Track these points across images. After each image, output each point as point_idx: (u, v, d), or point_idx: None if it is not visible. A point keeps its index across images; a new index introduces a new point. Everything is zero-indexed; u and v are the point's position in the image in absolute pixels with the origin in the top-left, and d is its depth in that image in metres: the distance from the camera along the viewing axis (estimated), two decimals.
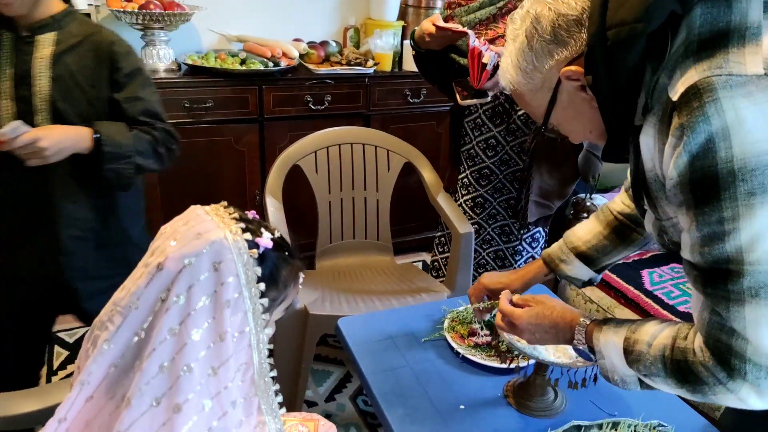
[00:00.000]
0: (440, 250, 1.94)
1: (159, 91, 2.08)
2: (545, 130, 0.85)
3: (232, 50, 2.42)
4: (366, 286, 1.81)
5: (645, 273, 2.05)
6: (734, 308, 0.66)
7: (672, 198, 0.70)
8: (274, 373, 0.85)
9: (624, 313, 1.92)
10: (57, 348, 2.15)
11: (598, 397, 1.08)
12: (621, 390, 1.10)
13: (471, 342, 1.21)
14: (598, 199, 2.16)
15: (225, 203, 0.86)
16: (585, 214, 2.10)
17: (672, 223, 0.78)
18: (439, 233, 1.94)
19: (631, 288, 1.96)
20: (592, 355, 0.84)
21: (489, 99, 1.52)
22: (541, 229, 1.80)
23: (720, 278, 0.66)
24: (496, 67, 1.37)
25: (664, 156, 0.69)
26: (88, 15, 2.03)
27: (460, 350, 1.17)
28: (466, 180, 1.75)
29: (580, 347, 0.85)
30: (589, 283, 1.13)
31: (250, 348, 0.81)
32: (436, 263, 1.97)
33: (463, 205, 1.78)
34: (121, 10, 2.06)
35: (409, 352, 1.19)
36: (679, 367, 0.72)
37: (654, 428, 0.97)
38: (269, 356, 0.84)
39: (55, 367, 2.05)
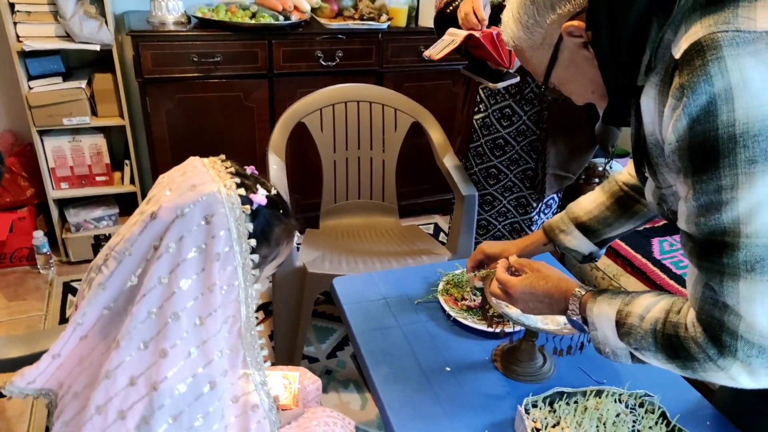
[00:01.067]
0: None
1: (167, 44, 2.10)
2: (546, 89, 0.83)
3: (243, 3, 2.37)
4: (368, 246, 1.81)
5: (655, 241, 2.02)
6: (728, 283, 0.63)
7: (671, 164, 0.67)
8: (260, 328, 0.86)
9: (630, 281, 1.90)
10: (70, 297, 2.22)
11: (588, 363, 1.08)
12: None
13: (464, 305, 1.21)
14: (616, 165, 2.11)
15: (223, 156, 0.86)
16: (597, 180, 2.06)
17: (671, 192, 0.75)
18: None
19: (639, 256, 1.93)
20: (585, 327, 0.82)
21: (518, 78, 1.49)
22: (555, 195, 1.77)
23: (715, 251, 0.63)
24: None
25: (663, 119, 0.65)
26: None
27: (451, 313, 1.17)
28: (480, 149, 1.72)
29: (574, 318, 0.83)
30: (590, 258, 1.09)
31: (238, 302, 0.83)
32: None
33: (477, 174, 1.75)
34: None
35: (401, 313, 1.19)
36: (670, 342, 0.70)
37: (639, 398, 0.97)
38: (257, 311, 0.86)
39: (67, 315, 2.13)
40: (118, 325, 0.79)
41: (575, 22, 0.71)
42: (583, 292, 0.83)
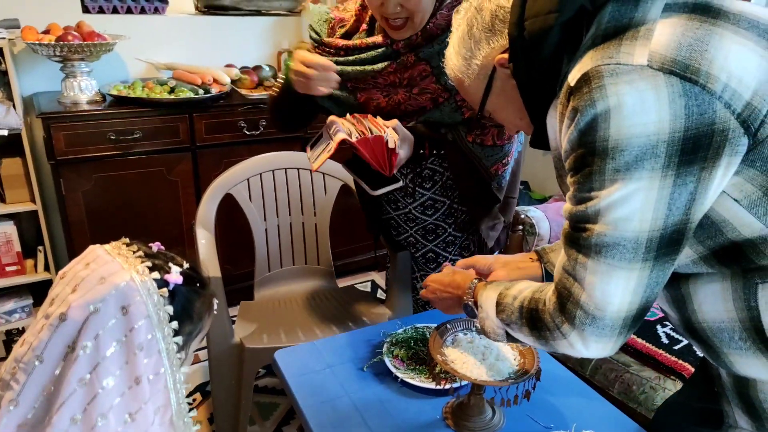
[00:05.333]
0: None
1: (81, 124, 2.04)
2: (481, 116, 0.91)
3: (161, 78, 2.36)
4: (306, 314, 1.77)
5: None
6: (581, 261, 0.74)
7: (566, 169, 0.76)
8: (194, 413, 0.81)
9: (644, 371, 1.70)
10: None
11: (535, 411, 1.09)
12: (556, 402, 1.12)
13: (411, 365, 1.20)
14: (532, 211, 2.22)
15: (127, 240, 0.83)
16: (520, 227, 2.15)
17: None
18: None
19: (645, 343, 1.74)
20: (476, 310, 0.93)
21: (401, 183, 1.35)
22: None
23: (577, 234, 0.74)
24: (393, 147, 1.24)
25: (562, 134, 0.75)
26: (1, 50, 1.94)
27: (398, 374, 1.16)
28: (411, 239, 1.63)
29: (469, 302, 0.95)
30: None
31: (167, 389, 0.78)
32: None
33: (416, 263, 1.65)
34: (38, 42, 1.97)
35: (348, 381, 1.16)
36: (531, 316, 0.82)
37: None
38: (192, 394, 0.81)
39: None
40: None
41: (505, 55, 0.80)
42: (478, 281, 0.96)
